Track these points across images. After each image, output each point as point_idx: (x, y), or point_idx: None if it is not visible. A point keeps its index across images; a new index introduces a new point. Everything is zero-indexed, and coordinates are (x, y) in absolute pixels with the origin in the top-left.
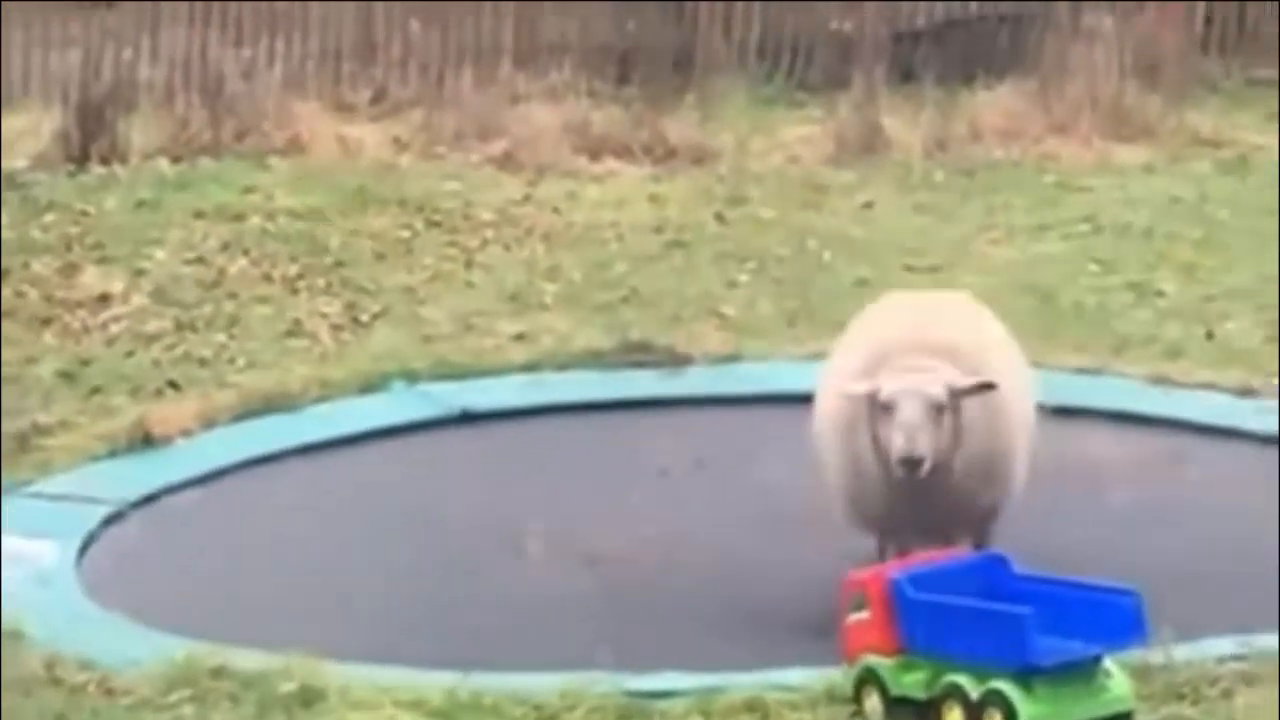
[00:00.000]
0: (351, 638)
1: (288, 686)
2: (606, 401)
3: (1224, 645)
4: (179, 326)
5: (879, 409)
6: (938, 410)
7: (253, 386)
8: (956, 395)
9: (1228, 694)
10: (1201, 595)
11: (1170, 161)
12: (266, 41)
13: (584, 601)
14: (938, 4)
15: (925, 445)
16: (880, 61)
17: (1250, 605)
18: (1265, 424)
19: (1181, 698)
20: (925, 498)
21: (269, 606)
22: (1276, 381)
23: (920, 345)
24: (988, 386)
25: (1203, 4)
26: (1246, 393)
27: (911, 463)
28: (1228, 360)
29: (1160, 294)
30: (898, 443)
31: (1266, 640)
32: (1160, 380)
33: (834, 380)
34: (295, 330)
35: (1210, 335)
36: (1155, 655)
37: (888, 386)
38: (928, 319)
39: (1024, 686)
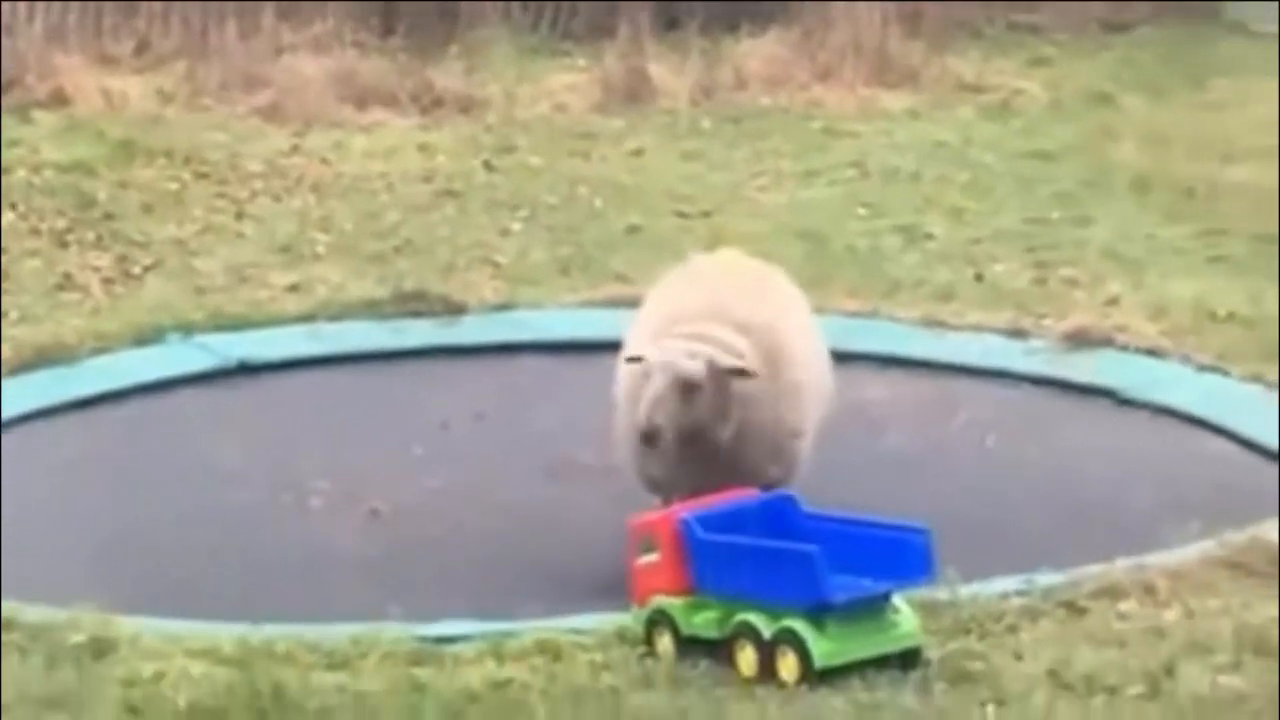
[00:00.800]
0: (136, 591)
1: (77, 638)
2: (384, 351)
3: (1007, 583)
4: None
5: (645, 377)
6: (689, 386)
7: (26, 340)
8: (717, 373)
9: (1012, 629)
10: (980, 535)
11: (934, 107)
12: None
13: (369, 554)
14: None
15: (661, 418)
16: (644, 10)
17: (1027, 544)
18: (1035, 365)
19: (968, 633)
20: (704, 468)
21: (52, 561)
22: (1044, 322)
23: (714, 315)
24: (743, 373)
25: None
26: (1016, 334)
27: (646, 435)
28: (997, 301)
29: (929, 237)
30: (638, 413)
31: (1047, 578)
32: (932, 323)
33: (629, 342)
34: (66, 284)
35: (979, 277)
36: (941, 592)
37: (651, 356)
38: (727, 288)
39: (816, 624)
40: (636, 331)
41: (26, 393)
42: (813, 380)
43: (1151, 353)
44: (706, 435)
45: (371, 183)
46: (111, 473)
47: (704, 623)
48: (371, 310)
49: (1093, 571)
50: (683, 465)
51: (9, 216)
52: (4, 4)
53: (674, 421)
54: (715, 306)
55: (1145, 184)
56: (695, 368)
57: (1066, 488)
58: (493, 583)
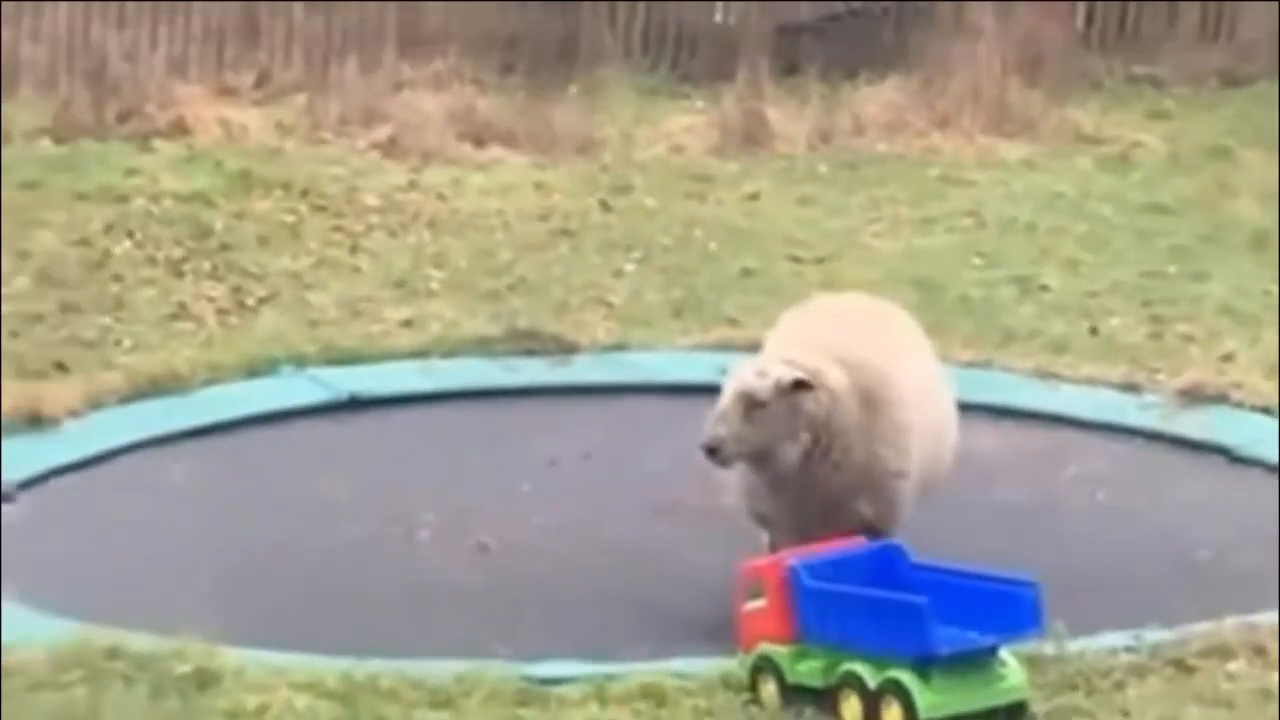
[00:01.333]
0: (243, 622)
1: (182, 669)
2: (495, 389)
3: (1115, 638)
4: (64, 308)
5: None
6: (753, 402)
7: (139, 369)
8: (784, 391)
9: (1120, 685)
10: (1088, 589)
11: (1051, 157)
12: (149, 23)
13: (475, 590)
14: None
15: (723, 431)
16: (764, 54)
17: (1135, 599)
18: (1148, 420)
19: (1075, 688)
20: (798, 497)
21: (160, 590)
22: (1159, 377)
23: (818, 347)
24: (805, 385)
25: (1084, 1)
26: (1130, 388)
27: (706, 448)
28: (1111, 355)
29: (1044, 288)
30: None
31: (1156, 634)
32: (1046, 375)
33: None
34: (181, 313)
35: (1094, 330)
36: (1048, 646)
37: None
38: (839, 324)
39: (921, 675)
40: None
41: (138, 422)
42: (923, 423)
43: (1266, 410)
44: (777, 456)
45: (487, 220)
46: (221, 503)
47: (809, 671)
48: (484, 347)
49: (1201, 629)
50: (778, 498)
51: (126, 245)
52: (125, 34)
53: (735, 436)
54: (820, 340)
55: (1263, 239)
56: (760, 384)
57: (1177, 544)
58: (598, 622)
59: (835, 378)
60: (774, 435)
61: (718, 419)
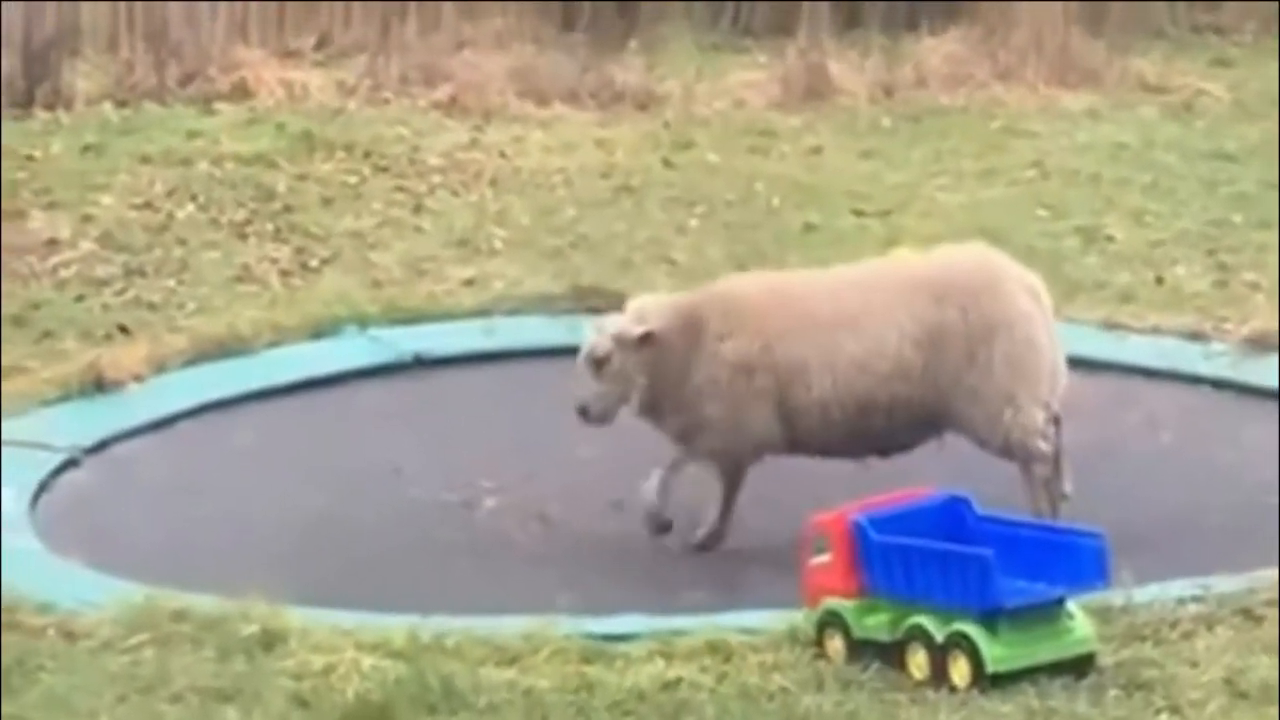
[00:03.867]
0: (307, 584)
1: (249, 629)
2: (558, 347)
3: (1182, 588)
4: (128, 271)
5: None
6: (595, 359)
7: (203, 331)
8: (623, 344)
9: (1187, 636)
10: (1155, 539)
11: (1115, 107)
12: None
13: (540, 548)
14: None
15: (581, 394)
16: (825, 8)
17: (1203, 548)
18: (1214, 368)
19: (1143, 639)
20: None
21: (225, 553)
22: (1225, 325)
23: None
24: (647, 339)
25: None
26: (1196, 336)
27: (577, 413)
28: (1177, 304)
29: (1110, 239)
30: None
31: (1223, 583)
32: (1111, 325)
33: None
34: (244, 275)
35: (1160, 280)
36: (1116, 598)
37: None
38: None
39: (988, 628)
40: None
41: (202, 384)
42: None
43: None
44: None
45: (549, 178)
46: (285, 465)
47: (875, 625)
48: (547, 305)
49: (1269, 578)
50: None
51: (189, 208)
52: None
53: (594, 395)
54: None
55: None
56: (598, 341)
57: (1244, 492)
58: (663, 577)
59: (660, 318)
60: (627, 385)
61: (575, 382)
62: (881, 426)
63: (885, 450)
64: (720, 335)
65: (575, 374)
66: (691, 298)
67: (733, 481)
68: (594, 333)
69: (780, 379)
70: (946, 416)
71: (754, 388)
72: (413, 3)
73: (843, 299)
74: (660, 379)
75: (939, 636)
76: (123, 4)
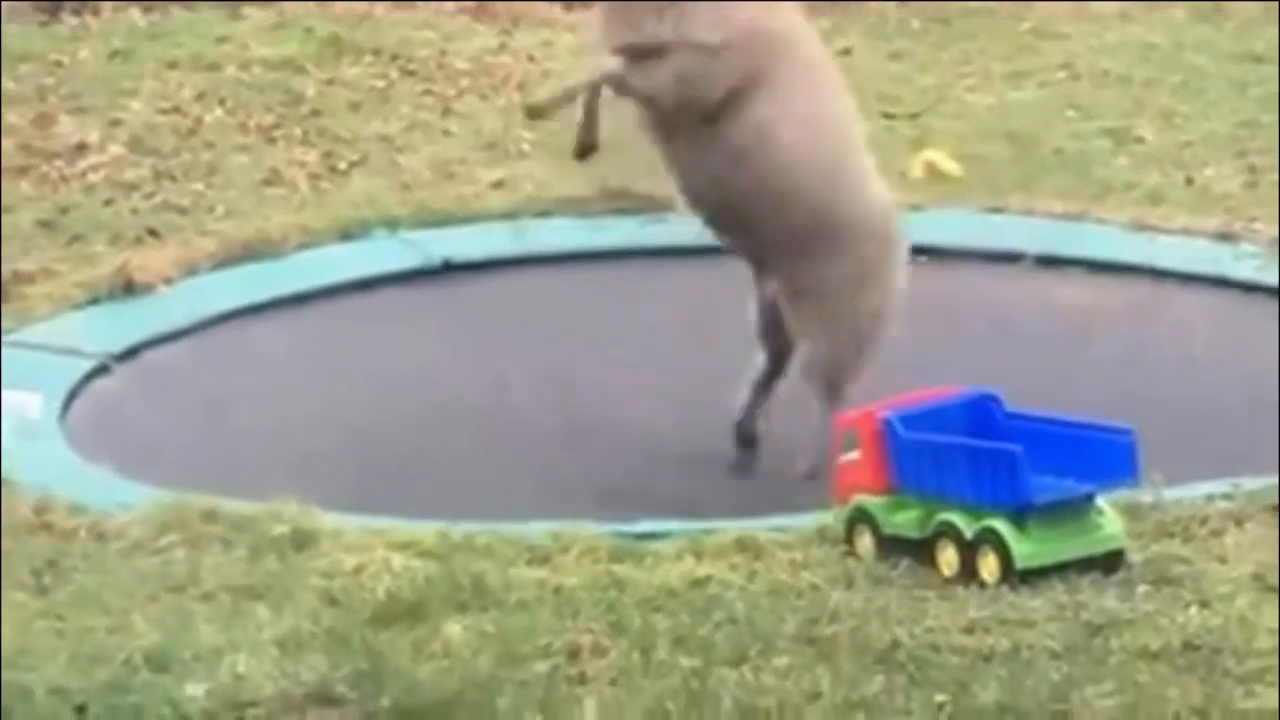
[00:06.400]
0: (337, 487)
1: (279, 530)
2: (588, 251)
3: (1211, 487)
4: (157, 175)
5: None
6: None
7: (233, 234)
8: None
9: (1217, 532)
10: (1185, 438)
11: (1145, 8)
12: None
13: (569, 453)
14: None
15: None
16: None
17: (1232, 448)
18: (1245, 269)
19: (1172, 536)
20: None
21: (255, 457)
22: (1255, 226)
23: None
24: None
25: None
26: (1226, 238)
27: None
28: (1207, 206)
29: (1139, 140)
30: None
31: (1253, 482)
32: (1141, 226)
33: None
34: (273, 179)
35: (1190, 181)
36: (1145, 495)
37: None
38: None
39: (1017, 524)
40: None
41: (232, 287)
42: None
43: None
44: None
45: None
46: (314, 369)
47: (905, 522)
48: (576, 208)
49: None
50: None
51: (217, 112)
52: None
53: None
54: None
55: None
56: None
57: (1274, 393)
58: (695, 481)
59: None
60: None
61: None
62: None
63: None
64: None
65: None
66: None
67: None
68: None
69: None
70: None
71: None
72: None
73: None
74: None
75: (968, 533)
76: None
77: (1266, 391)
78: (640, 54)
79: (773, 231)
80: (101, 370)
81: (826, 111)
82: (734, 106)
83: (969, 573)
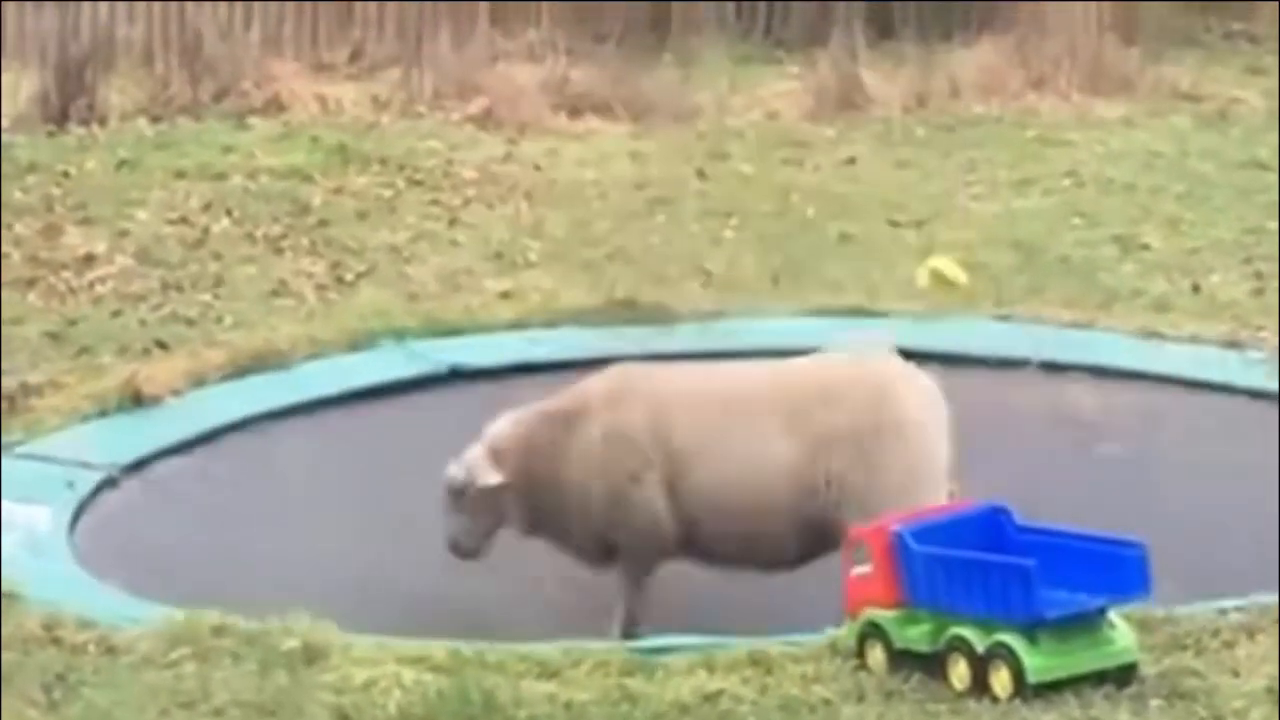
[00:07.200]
0: (347, 600)
1: (290, 644)
2: (595, 359)
3: (1224, 599)
4: (164, 286)
5: None
6: (456, 493)
7: (241, 346)
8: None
9: (1229, 645)
10: (1195, 549)
11: (1150, 115)
12: (243, 1)
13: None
14: None
15: (452, 529)
16: (857, 17)
17: (1243, 559)
18: (1253, 377)
19: (1184, 649)
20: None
21: (264, 571)
22: (1262, 334)
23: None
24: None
25: None
26: (1233, 345)
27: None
28: (1214, 313)
29: (1145, 247)
30: None
31: (1266, 595)
32: (1148, 334)
33: None
34: (281, 290)
35: (1196, 288)
36: (1157, 608)
37: None
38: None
39: (1029, 639)
40: None
41: (241, 398)
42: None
43: None
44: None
45: (584, 190)
46: (324, 479)
47: (917, 635)
48: (583, 318)
49: None
50: None
51: (224, 223)
52: (220, 12)
53: (462, 530)
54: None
55: None
56: (455, 475)
57: None
58: (704, 593)
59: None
60: (496, 513)
61: (445, 518)
62: (768, 534)
63: (773, 564)
64: (590, 416)
65: (444, 509)
66: (567, 396)
67: (637, 576)
68: (454, 466)
69: (664, 455)
70: (837, 526)
71: (634, 456)
72: (446, 13)
73: (730, 399)
74: (539, 491)
75: (980, 647)
76: (157, 20)
77: (1275, 502)
78: None
79: None
80: (110, 483)
81: None
82: None
83: (981, 687)
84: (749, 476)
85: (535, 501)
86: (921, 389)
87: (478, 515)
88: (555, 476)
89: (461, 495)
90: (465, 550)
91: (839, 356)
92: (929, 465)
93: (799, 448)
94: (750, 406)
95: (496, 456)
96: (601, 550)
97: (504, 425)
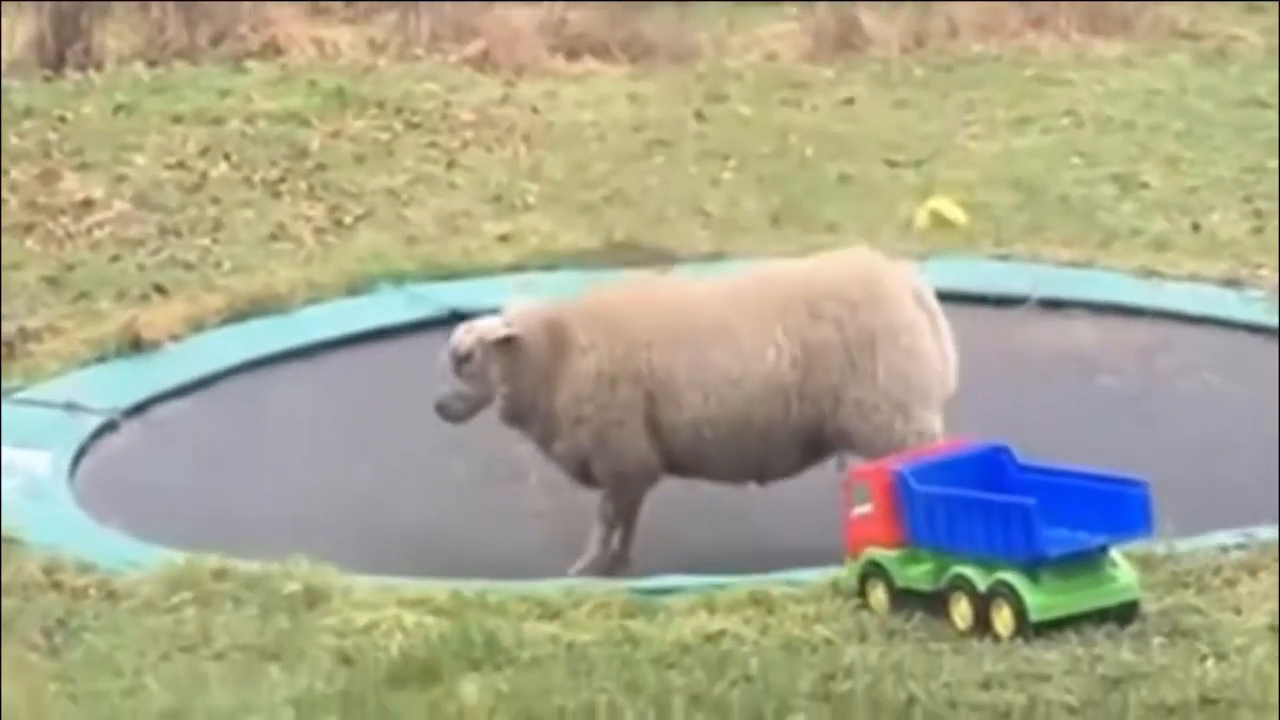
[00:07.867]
0: (347, 544)
1: (291, 587)
2: None
3: (1225, 536)
4: (162, 231)
5: None
6: (458, 357)
7: (239, 290)
8: (486, 346)
9: (1231, 582)
10: (1196, 486)
11: (1148, 54)
12: None
13: (578, 507)
14: None
15: (444, 390)
16: None
17: (1244, 495)
18: (1252, 313)
19: (1186, 586)
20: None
21: (263, 515)
22: (1261, 271)
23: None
24: (508, 340)
25: None
26: (1232, 283)
27: (436, 409)
28: (1213, 251)
29: (1145, 186)
30: None
31: (1266, 531)
32: (1148, 272)
33: None
34: (279, 234)
35: (1196, 227)
36: (1158, 546)
37: None
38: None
39: (1031, 577)
40: None
41: (239, 342)
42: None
43: None
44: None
45: (582, 132)
46: (323, 423)
47: (918, 575)
48: (582, 260)
49: None
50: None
51: (222, 167)
52: None
53: (455, 393)
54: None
55: None
56: (462, 339)
57: None
58: (706, 535)
59: (526, 326)
60: (487, 388)
61: (439, 377)
62: (757, 448)
63: (765, 474)
64: (584, 347)
65: (438, 370)
66: (561, 308)
67: (621, 508)
68: (461, 331)
69: (647, 393)
70: (834, 435)
71: (619, 401)
72: None
73: (714, 311)
74: (522, 388)
75: (982, 586)
76: None
77: (1275, 437)
78: None
79: None
80: (109, 427)
81: None
82: None
83: (983, 626)
84: (732, 394)
85: (519, 394)
86: (910, 289)
87: (473, 382)
88: (543, 385)
89: (465, 361)
90: (452, 414)
91: (828, 257)
92: (922, 366)
93: (786, 361)
94: (737, 324)
95: (509, 326)
96: (581, 470)
97: (517, 307)
